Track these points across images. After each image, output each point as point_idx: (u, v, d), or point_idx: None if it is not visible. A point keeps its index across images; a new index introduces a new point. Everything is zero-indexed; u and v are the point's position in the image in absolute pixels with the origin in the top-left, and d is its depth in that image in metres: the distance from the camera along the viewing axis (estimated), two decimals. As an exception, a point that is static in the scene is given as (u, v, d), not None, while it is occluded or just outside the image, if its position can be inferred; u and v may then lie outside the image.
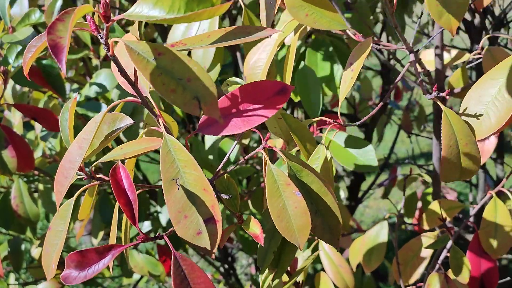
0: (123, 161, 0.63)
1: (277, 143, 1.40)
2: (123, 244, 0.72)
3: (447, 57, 1.20)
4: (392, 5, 0.81)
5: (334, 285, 1.30)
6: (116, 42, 0.52)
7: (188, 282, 0.56)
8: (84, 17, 0.53)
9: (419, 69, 1.04)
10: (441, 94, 0.80)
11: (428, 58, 1.21)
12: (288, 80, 0.92)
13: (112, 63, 0.56)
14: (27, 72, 0.53)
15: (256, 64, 0.99)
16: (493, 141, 1.00)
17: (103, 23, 0.52)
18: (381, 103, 0.84)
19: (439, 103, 0.79)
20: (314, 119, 0.88)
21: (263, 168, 0.73)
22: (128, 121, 0.63)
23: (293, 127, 0.73)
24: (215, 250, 0.55)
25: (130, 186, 0.57)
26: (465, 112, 0.78)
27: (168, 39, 1.12)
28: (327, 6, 0.81)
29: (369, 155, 1.02)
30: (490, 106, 0.76)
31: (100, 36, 0.51)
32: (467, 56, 1.16)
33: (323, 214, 0.69)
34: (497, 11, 1.67)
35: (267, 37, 0.59)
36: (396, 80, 0.83)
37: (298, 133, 0.73)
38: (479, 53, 1.10)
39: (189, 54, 1.13)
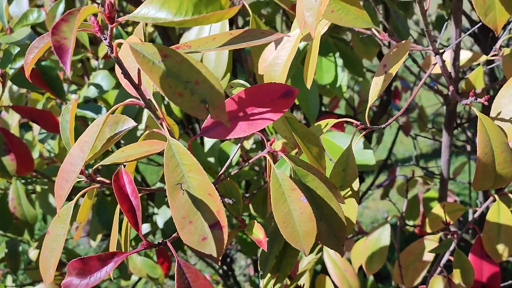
0: (123, 165, 0.62)
1: (276, 145, 1.39)
2: (123, 249, 0.71)
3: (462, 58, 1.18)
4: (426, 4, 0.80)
5: (337, 288, 1.29)
6: (120, 44, 0.50)
7: (192, 290, 0.54)
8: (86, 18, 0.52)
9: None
10: (479, 100, 0.77)
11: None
12: (310, 82, 0.90)
13: (116, 65, 0.55)
14: (28, 73, 0.52)
15: (275, 62, 0.96)
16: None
17: (105, 24, 0.51)
18: (403, 107, 0.81)
19: (475, 110, 0.76)
20: (326, 121, 0.84)
21: (267, 173, 0.72)
22: (131, 123, 0.61)
23: (298, 131, 0.71)
24: (220, 258, 0.54)
25: (134, 192, 0.56)
26: (498, 117, 0.76)
27: (181, 42, 1.10)
28: (352, 2, 0.78)
29: (366, 154, 1.00)
30: None
31: (104, 37, 0.50)
32: (483, 58, 1.15)
33: (328, 219, 0.68)
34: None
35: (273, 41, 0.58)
36: (421, 83, 0.81)
37: (304, 138, 0.72)
38: (495, 55, 1.09)
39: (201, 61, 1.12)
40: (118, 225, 0.73)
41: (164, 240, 0.58)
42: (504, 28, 1.50)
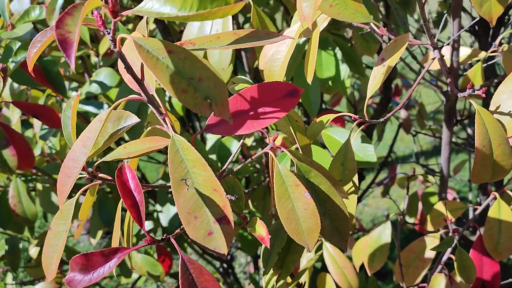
0: (126, 160, 0.62)
1: (276, 140, 1.39)
2: (125, 245, 0.71)
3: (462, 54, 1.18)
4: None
5: (338, 286, 1.29)
6: (123, 39, 0.50)
7: (196, 286, 0.54)
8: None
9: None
10: (476, 92, 0.77)
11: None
12: (311, 75, 0.89)
13: (119, 61, 0.54)
14: (31, 68, 0.51)
15: (275, 57, 0.97)
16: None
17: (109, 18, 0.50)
18: (402, 102, 0.81)
19: (472, 102, 0.77)
20: (328, 116, 0.84)
21: (270, 169, 0.72)
22: (134, 119, 0.61)
23: (294, 127, 0.72)
24: (227, 252, 0.54)
25: (137, 187, 0.55)
26: (498, 110, 0.76)
27: (183, 39, 1.10)
28: None
29: (368, 151, 1.00)
30: None
31: (107, 31, 0.49)
32: (482, 54, 1.14)
33: (331, 215, 0.68)
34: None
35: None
36: (419, 77, 0.81)
37: (299, 132, 0.72)
38: (494, 51, 1.08)
39: (204, 56, 1.12)
40: (120, 222, 0.73)
41: (168, 236, 0.58)
42: (504, 25, 1.50)
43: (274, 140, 0.66)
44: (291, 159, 0.66)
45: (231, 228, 0.54)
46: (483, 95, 0.77)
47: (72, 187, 0.75)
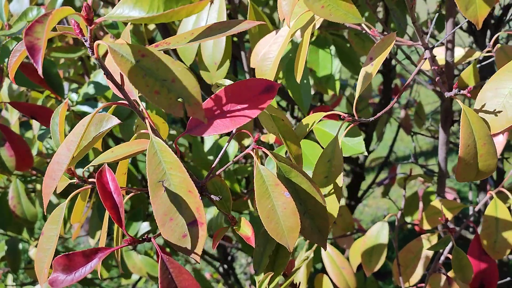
0: (111, 164, 0.63)
1: (270, 137, 1.39)
2: (114, 245, 0.72)
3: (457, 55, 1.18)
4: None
5: (336, 286, 1.29)
6: (100, 45, 0.51)
7: (175, 285, 0.55)
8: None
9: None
10: (462, 92, 0.77)
11: (438, 56, 1.19)
12: (299, 76, 0.90)
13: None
14: (12, 76, 0.52)
15: (266, 56, 0.97)
16: (501, 141, 0.99)
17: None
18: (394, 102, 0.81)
19: (459, 101, 0.77)
20: (318, 115, 0.84)
21: (254, 169, 0.73)
22: (115, 121, 0.62)
23: (281, 129, 0.72)
24: (199, 254, 0.55)
25: (116, 189, 0.56)
26: (482, 109, 0.76)
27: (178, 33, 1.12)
28: None
29: (355, 140, 1.00)
30: (507, 99, 0.73)
31: (85, 39, 0.51)
32: (477, 54, 1.14)
33: (312, 214, 0.69)
34: (496, 10, 1.66)
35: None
36: (411, 76, 0.82)
37: (286, 136, 0.73)
38: (489, 51, 1.08)
39: (199, 50, 1.15)
40: (111, 223, 0.73)
41: (149, 236, 0.59)
42: (500, 25, 1.50)
43: (255, 141, 0.67)
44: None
45: (201, 231, 0.55)
46: (469, 95, 0.77)
47: (73, 187, 0.76)
